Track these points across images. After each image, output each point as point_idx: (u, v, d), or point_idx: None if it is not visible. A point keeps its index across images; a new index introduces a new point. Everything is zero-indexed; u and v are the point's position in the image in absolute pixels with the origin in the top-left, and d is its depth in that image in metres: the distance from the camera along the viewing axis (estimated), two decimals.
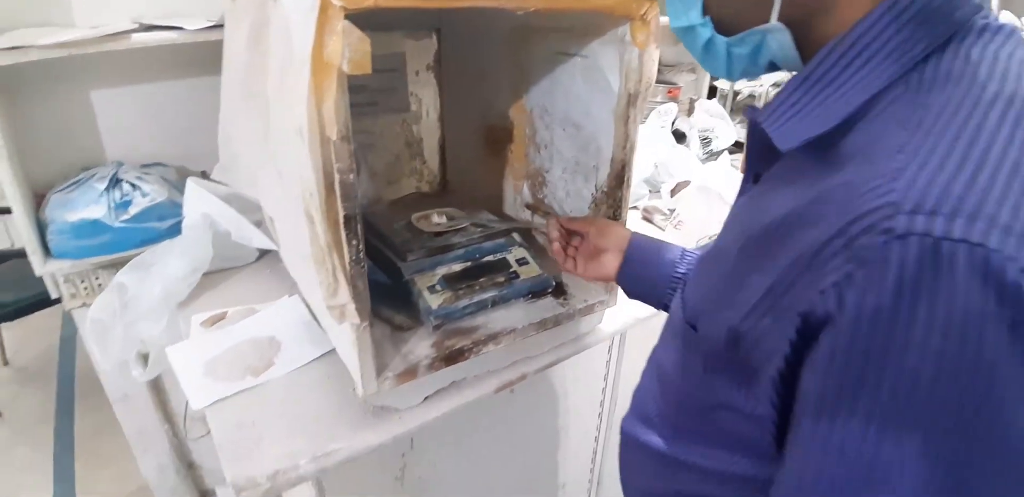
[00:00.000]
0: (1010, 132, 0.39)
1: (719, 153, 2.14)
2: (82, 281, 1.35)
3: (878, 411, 0.39)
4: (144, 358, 1.18)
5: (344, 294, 0.76)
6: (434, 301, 0.95)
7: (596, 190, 1.01)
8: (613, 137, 0.94)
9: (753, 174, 0.59)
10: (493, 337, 0.95)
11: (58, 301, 1.39)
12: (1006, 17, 3.32)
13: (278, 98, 0.78)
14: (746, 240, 0.51)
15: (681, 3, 0.56)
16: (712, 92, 2.84)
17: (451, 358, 0.92)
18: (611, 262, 0.91)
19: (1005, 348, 0.35)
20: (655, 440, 0.65)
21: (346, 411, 0.93)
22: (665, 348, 0.65)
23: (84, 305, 1.37)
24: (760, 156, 0.56)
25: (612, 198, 0.98)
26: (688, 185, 1.70)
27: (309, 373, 1.00)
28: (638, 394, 0.71)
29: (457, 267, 1.00)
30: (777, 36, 0.51)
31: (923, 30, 0.44)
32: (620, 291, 0.97)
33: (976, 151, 0.38)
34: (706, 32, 0.55)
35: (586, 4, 0.79)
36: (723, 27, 0.54)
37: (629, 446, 0.70)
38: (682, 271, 0.85)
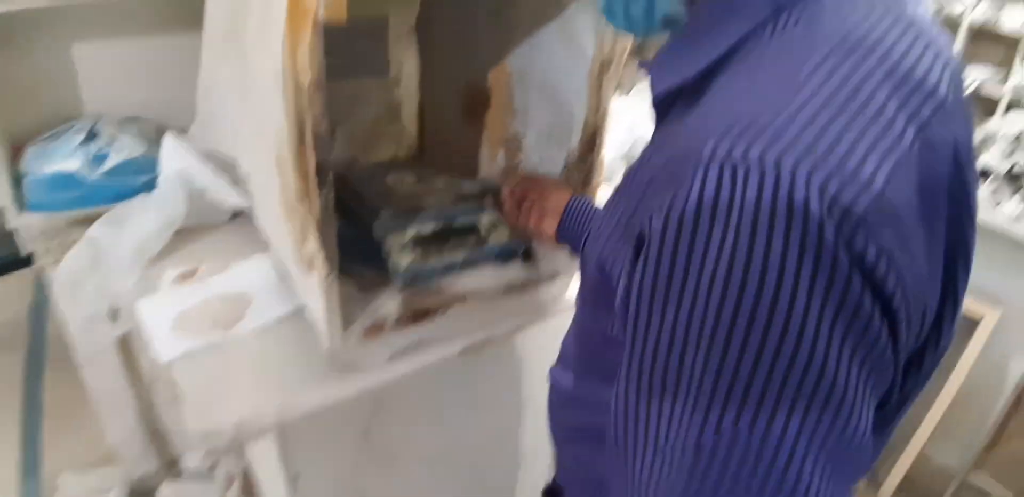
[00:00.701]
0: (830, 68, 0.40)
1: None
2: (55, 237, 1.34)
3: (668, 326, 0.40)
4: (115, 313, 1.18)
5: (313, 243, 0.77)
6: (404, 260, 0.96)
7: (568, 156, 1.03)
8: (586, 103, 0.95)
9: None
10: (460, 298, 0.96)
11: (28, 263, 1.37)
12: None
13: (256, 46, 0.79)
14: (622, 181, 0.54)
15: None
16: None
17: (418, 316, 0.93)
18: (550, 224, 0.95)
19: (793, 266, 0.36)
20: (567, 377, 0.69)
21: (313, 367, 0.93)
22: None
23: (56, 262, 1.36)
24: (656, 108, 0.57)
25: (584, 163, 1.00)
26: None
27: (278, 330, 1.01)
28: (563, 341, 0.75)
29: (429, 228, 1.01)
30: None
31: None
32: None
33: (790, 86, 0.40)
34: None
35: None
36: None
37: (552, 389, 0.74)
38: None
